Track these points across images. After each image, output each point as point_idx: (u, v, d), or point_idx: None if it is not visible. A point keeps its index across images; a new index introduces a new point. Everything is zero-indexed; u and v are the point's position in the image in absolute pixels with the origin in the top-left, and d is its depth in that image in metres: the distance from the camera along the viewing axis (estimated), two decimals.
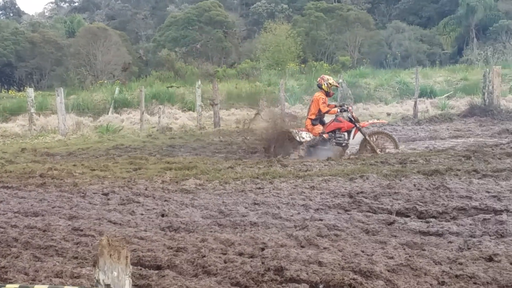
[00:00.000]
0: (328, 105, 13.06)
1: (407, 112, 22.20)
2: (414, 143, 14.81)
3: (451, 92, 25.50)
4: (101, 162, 12.61)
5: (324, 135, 12.67)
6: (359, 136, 12.83)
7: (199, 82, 23.02)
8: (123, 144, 16.79)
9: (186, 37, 48.28)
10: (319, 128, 12.83)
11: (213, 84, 22.48)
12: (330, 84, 13.07)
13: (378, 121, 14.70)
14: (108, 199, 8.43)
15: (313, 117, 12.92)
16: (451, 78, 28.49)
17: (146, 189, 9.07)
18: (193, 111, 23.83)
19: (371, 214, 6.99)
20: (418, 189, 8.14)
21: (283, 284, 4.43)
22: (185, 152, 14.90)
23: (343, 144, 12.81)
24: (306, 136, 12.75)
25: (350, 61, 42.14)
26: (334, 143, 12.74)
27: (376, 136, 13.01)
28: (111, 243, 2.63)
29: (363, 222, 6.56)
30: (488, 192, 7.62)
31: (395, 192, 7.92)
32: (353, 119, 12.81)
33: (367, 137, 12.74)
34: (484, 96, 20.55)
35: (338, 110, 12.87)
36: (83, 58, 41.55)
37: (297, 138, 12.73)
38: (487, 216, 6.43)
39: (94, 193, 8.82)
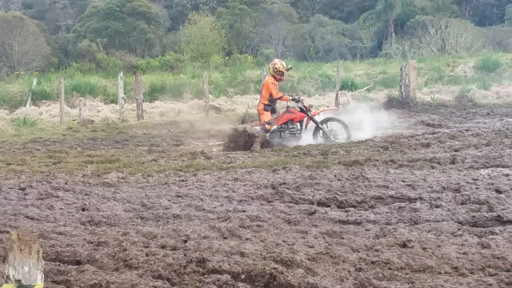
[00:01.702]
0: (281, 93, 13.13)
1: (330, 105, 22.67)
2: None
3: (371, 85, 26.21)
4: (17, 156, 12.15)
5: (266, 126, 12.68)
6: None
7: (122, 74, 22.56)
8: (42, 137, 16.24)
9: (108, 28, 47.16)
10: (267, 116, 12.83)
11: (135, 76, 22.09)
12: (276, 68, 13.05)
13: (328, 108, 14.85)
14: (25, 194, 8.14)
15: (266, 102, 12.93)
16: (371, 71, 29.27)
17: (66, 183, 8.83)
18: (116, 103, 23.33)
19: (293, 204, 7.11)
20: (339, 180, 8.35)
21: (205, 276, 4.44)
22: (107, 145, 14.60)
23: (296, 135, 12.92)
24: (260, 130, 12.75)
25: (274, 53, 42.54)
26: (288, 134, 12.85)
27: (327, 123, 13.19)
28: (21, 238, 2.55)
29: (285, 213, 6.67)
30: (404, 181, 7.93)
31: (317, 183, 8.10)
32: (304, 109, 12.94)
33: (319, 125, 12.94)
34: (401, 89, 21.30)
35: (290, 98, 12.93)
36: None
37: (256, 135, 12.71)
38: (402, 204, 6.70)
39: (10, 188, 8.49)
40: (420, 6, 50.22)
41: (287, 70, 13.17)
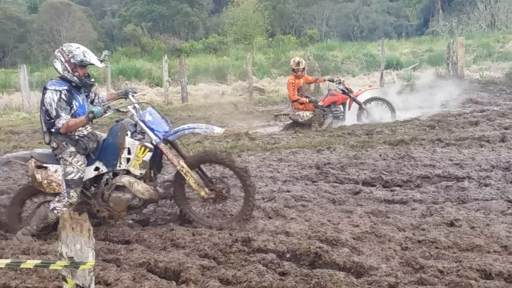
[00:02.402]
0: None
1: (374, 84, 22.35)
2: None
3: (416, 64, 25.69)
4: None
5: (319, 103, 12.56)
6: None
7: (166, 57, 22.76)
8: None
9: (152, 12, 47.55)
10: (309, 105, 12.69)
11: (180, 59, 22.26)
12: (291, 67, 12.91)
13: (370, 88, 14.69)
14: None
15: (295, 98, 12.69)
16: (417, 50, 28.69)
17: None
18: (161, 86, 23.60)
19: (337, 184, 7.09)
20: (384, 159, 8.27)
21: (251, 255, 4.49)
22: None
23: (340, 117, 12.83)
24: (304, 115, 12.61)
25: (317, 34, 42.13)
26: (332, 117, 12.75)
27: (371, 102, 13.06)
28: (73, 216, 2.63)
29: (329, 193, 6.65)
30: (451, 160, 7.79)
31: (362, 163, 8.04)
32: (346, 91, 12.84)
33: (362, 105, 12.85)
34: (449, 66, 20.82)
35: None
36: (46, 34, 40.66)
37: (300, 120, 12.61)
38: (450, 183, 6.59)
39: None
40: None
41: (297, 64, 12.88)
